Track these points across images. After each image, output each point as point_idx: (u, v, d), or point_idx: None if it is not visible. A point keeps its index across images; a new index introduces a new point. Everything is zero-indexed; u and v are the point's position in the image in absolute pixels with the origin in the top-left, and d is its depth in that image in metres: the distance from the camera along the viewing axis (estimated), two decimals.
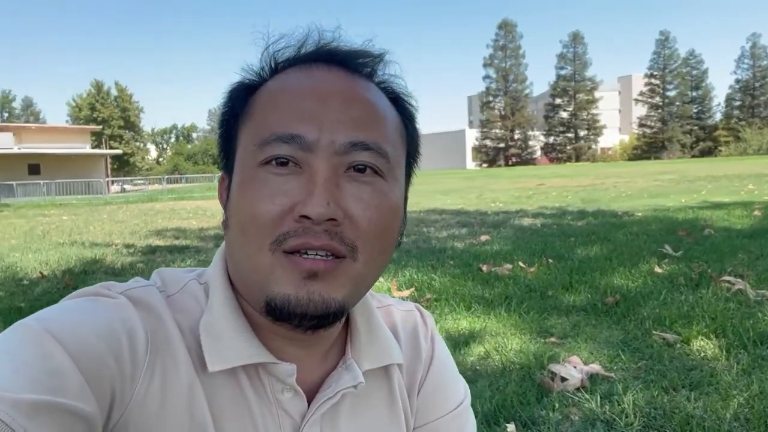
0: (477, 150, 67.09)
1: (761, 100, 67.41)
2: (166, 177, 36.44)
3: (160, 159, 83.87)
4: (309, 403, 0.61)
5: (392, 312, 0.74)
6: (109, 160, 42.03)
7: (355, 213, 0.53)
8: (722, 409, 2.16)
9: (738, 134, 60.13)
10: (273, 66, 0.60)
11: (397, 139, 0.60)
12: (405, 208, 0.64)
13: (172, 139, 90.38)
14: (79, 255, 6.76)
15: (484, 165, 65.57)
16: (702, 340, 2.90)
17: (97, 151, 40.82)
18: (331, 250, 0.52)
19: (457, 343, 3.06)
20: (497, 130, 67.20)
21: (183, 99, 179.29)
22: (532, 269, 4.76)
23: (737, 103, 69.45)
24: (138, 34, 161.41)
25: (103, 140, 55.15)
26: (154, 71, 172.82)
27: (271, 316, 0.54)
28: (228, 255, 0.61)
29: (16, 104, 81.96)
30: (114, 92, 66.92)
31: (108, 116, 63.34)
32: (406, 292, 4.13)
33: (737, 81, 69.87)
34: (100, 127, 55.41)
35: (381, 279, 4.57)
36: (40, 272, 5.62)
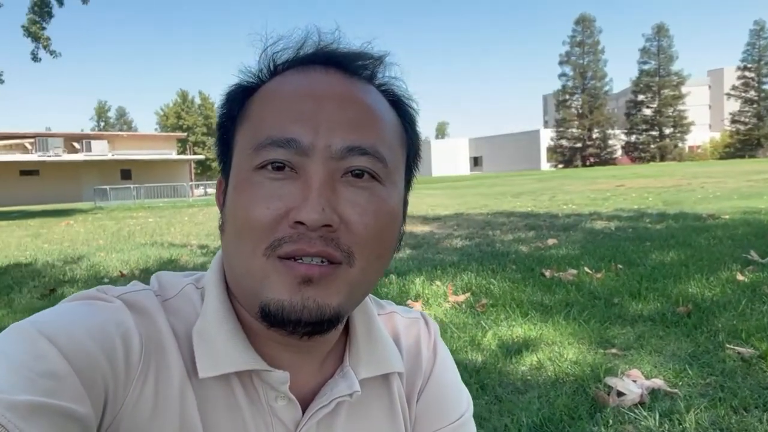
0: (552, 150, 64.89)
1: None
2: None
3: None
4: (304, 410, 0.60)
5: (395, 319, 0.73)
6: (192, 165, 44.45)
7: (352, 219, 0.52)
8: None
9: None
10: (271, 68, 0.59)
11: (396, 143, 0.59)
12: (405, 212, 0.63)
13: None
14: (157, 255, 7.16)
15: (560, 166, 63.30)
16: None
17: (182, 156, 43.25)
18: (326, 257, 0.51)
19: (509, 351, 2.95)
20: (574, 130, 64.60)
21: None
22: (598, 275, 4.53)
23: None
24: (218, 43, 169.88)
25: (188, 146, 58.42)
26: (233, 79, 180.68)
27: (266, 322, 0.53)
28: (224, 259, 0.60)
29: (111, 113, 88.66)
30: (198, 101, 70.77)
31: (192, 124, 67.02)
32: (462, 297, 4.04)
33: None
34: (185, 134, 58.82)
35: (438, 282, 4.52)
36: (120, 271, 6.01)
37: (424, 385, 0.71)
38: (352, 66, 0.58)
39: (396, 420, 0.67)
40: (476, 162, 69.49)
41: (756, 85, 65.26)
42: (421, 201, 17.30)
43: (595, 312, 3.54)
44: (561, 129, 65.04)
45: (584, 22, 65.77)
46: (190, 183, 36.74)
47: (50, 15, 18.53)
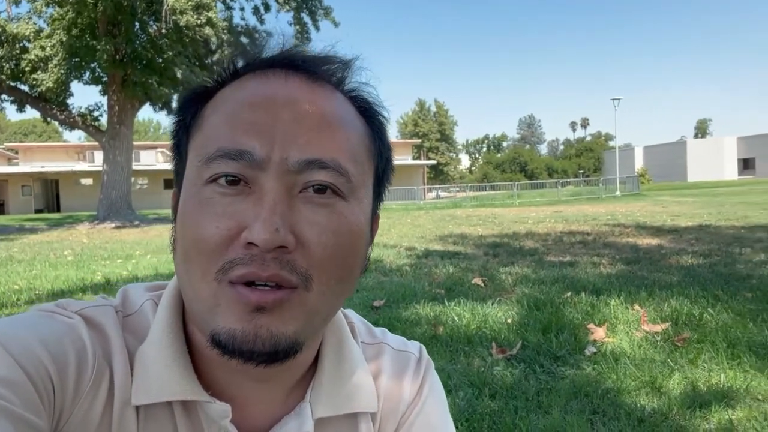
0: None
1: None
2: (470, 185, 38.69)
3: (472, 168, 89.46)
4: None
5: (383, 351, 0.66)
6: (426, 169, 46.96)
7: (309, 238, 0.48)
8: None
9: None
10: (231, 71, 0.55)
11: (363, 154, 0.54)
12: (373, 230, 0.58)
13: (484, 149, 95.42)
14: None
15: None
16: None
17: (417, 162, 46.08)
18: (280, 281, 0.47)
19: (695, 401, 2.39)
20: None
21: (494, 111, 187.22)
22: None
23: None
24: (452, 53, 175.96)
25: (422, 152, 61.99)
26: (468, 86, 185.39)
27: (218, 350, 0.50)
28: (177, 280, 0.57)
29: None
30: (433, 108, 74.55)
31: (427, 130, 70.98)
32: (659, 327, 3.42)
33: None
34: (420, 140, 62.45)
35: (637, 307, 3.92)
36: None
37: (399, 429, 0.64)
38: (317, 71, 0.53)
39: None
40: (747, 165, 58.56)
41: None
42: (663, 209, 15.31)
43: None
44: None
45: None
46: (423, 186, 38.78)
47: (309, 39, 21.48)
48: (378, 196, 0.58)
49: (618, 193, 30.46)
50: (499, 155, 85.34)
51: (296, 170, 0.48)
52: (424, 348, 0.69)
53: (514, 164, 73.83)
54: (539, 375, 2.81)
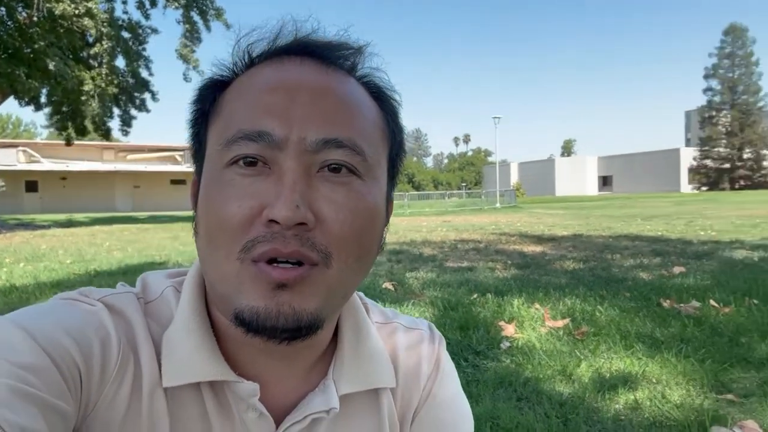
0: (695, 171, 59.06)
1: None
2: None
3: None
4: (279, 424, 0.57)
5: (396, 330, 0.68)
6: None
7: (328, 216, 0.49)
8: None
9: None
10: (246, 60, 0.57)
11: (377, 135, 0.56)
12: (389, 209, 0.60)
13: None
14: None
15: (703, 188, 57.42)
16: None
17: None
18: (301, 258, 0.48)
19: (603, 385, 2.68)
20: (721, 149, 58.27)
21: None
22: (726, 309, 3.99)
23: None
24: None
25: None
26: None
27: (241, 329, 0.51)
28: (200, 263, 0.58)
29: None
30: None
31: None
32: (560, 323, 3.76)
33: None
34: None
35: (537, 306, 4.26)
36: None
37: (422, 403, 0.66)
38: (330, 56, 0.55)
39: None
40: (605, 182, 65.41)
41: None
42: (539, 220, 16.61)
43: (714, 351, 3.10)
44: (706, 148, 59.21)
45: (734, 33, 59.60)
46: None
47: (200, 40, 20.56)
48: (392, 179, 0.60)
49: (498, 205, 32.54)
50: None
51: (314, 150, 0.50)
52: (433, 325, 0.72)
53: (403, 176, 76.18)
54: (465, 368, 2.97)
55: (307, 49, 0.55)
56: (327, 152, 0.50)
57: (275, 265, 0.48)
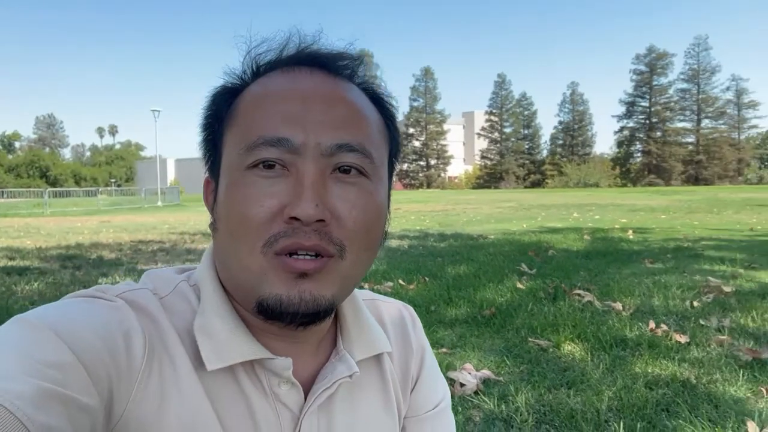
0: None
1: (579, 140, 77.60)
2: None
3: None
4: (306, 395, 0.63)
5: (378, 305, 0.78)
6: None
7: (342, 213, 0.55)
8: (597, 402, 2.49)
9: (561, 169, 68.40)
10: (254, 69, 0.62)
11: (380, 139, 0.62)
12: (389, 206, 0.65)
13: None
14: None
15: None
16: (569, 344, 3.30)
17: None
18: (320, 250, 0.54)
19: None
20: None
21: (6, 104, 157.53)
22: (411, 286, 5.00)
23: (560, 142, 79.09)
24: None
25: None
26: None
27: (263, 316, 0.56)
28: (217, 257, 0.62)
29: None
30: None
31: None
32: None
33: (560, 122, 79.74)
34: None
35: None
36: None
37: (419, 368, 0.77)
38: (335, 66, 0.61)
39: (389, 397, 0.71)
40: None
41: (499, 128, 78.15)
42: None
43: (420, 318, 3.90)
44: None
45: (427, 74, 70.78)
46: None
47: None
48: (390, 178, 0.66)
49: (160, 203, 30.83)
50: (11, 157, 71.99)
51: (328, 154, 0.55)
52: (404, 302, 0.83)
53: (33, 168, 63.87)
54: None
55: (315, 60, 0.60)
56: (340, 156, 0.56)
57: (296, 257, 0.54)
